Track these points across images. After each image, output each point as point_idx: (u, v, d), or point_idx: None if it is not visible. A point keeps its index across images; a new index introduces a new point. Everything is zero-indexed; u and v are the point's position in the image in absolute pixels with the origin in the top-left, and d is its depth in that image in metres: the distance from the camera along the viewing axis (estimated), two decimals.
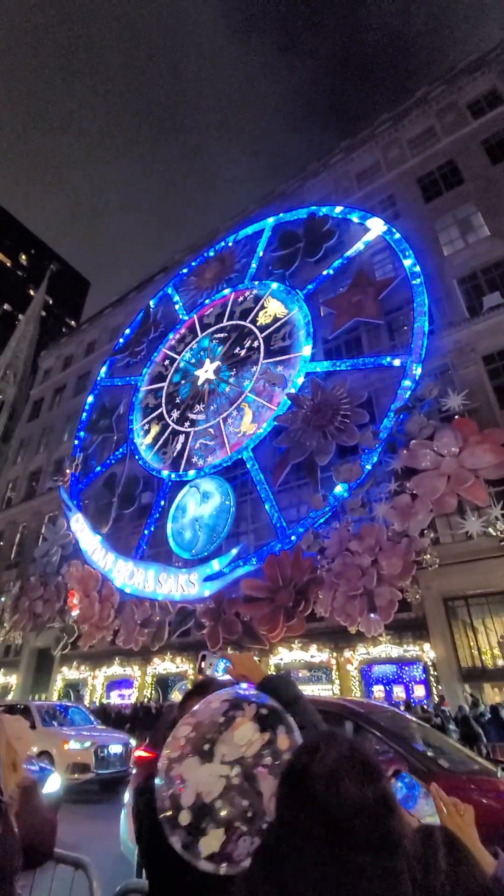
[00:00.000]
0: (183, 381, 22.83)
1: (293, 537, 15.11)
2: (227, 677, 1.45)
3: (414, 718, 4.74)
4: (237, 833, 0.75)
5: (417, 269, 17.39)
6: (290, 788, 0.79)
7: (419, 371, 15.41)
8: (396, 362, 16.10)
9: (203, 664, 1.55)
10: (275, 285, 21.59)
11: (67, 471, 24.81)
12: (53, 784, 5.69)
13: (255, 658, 15.26)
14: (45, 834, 1.42)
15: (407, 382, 15.19)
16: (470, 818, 1.11)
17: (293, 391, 17.67)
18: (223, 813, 0.77)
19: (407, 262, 17.76)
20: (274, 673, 1.50)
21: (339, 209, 21.69)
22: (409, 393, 14.95)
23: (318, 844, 0.71)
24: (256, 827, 0.78)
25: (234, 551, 15.91)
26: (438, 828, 0.88)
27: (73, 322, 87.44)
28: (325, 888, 0.69)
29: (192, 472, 19.31)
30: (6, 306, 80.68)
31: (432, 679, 13.16)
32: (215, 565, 16.15)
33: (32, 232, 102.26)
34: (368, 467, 14.48)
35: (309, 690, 15.18)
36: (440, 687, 12.75)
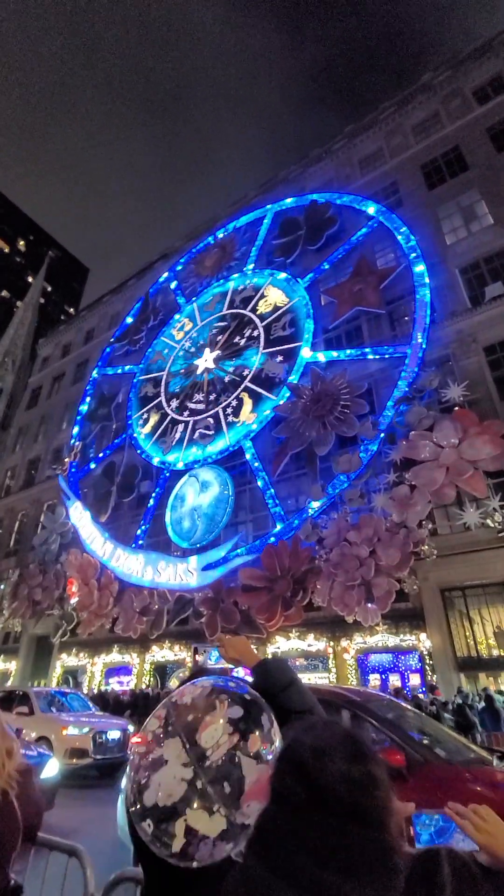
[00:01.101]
0: (182, 370, 22.70)
1: (295, 523, 15.14)
2: (221, 665, 1.43)
3: (410, 707, 4.76)
4: (196, 837, 0.72)
5: (421, 263, 17.15)
6: (281, 760, 0.78)
7: (420, 360, 15.30)
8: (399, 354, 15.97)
9: (198, 656, 1.52)
10: (275, 273, 21.36)
11: (66, 459, 24.77)
12: (52, 769, 5.74)
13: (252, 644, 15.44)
14: (36, 812, 1.58)
15: (406, 373, 15.10)
16: (493, 817, 1.04)
17: (293, 381, 17.57)
18: (184, 816, 0.73)
19: (410, 253, 17.54)
20: (268, 657, 1.47)
21: (347, 199, 21.38)
22: (408, 383, 14.87)
23: (303, 810, 0.71)
24: (219, 832, 0.74)
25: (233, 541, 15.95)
26: (444, 848, 0.85)
27: (71, 309, 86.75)
28: (316, 858, 0.67)
29: (191, 461, 19.28)
30: (4, 293, 79.99)
31: (428, 668, 13.30)
32: (213, 554, 16.20)
33: (31, 217, 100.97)
34: (371, 451, 14.45)
35: (306, 679, 15.33)
36: (435, 676, 12.89)
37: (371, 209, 19.59)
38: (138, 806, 0.75)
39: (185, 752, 0.77)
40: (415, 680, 13.90)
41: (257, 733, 0.79)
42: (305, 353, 18.04)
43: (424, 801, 2.94)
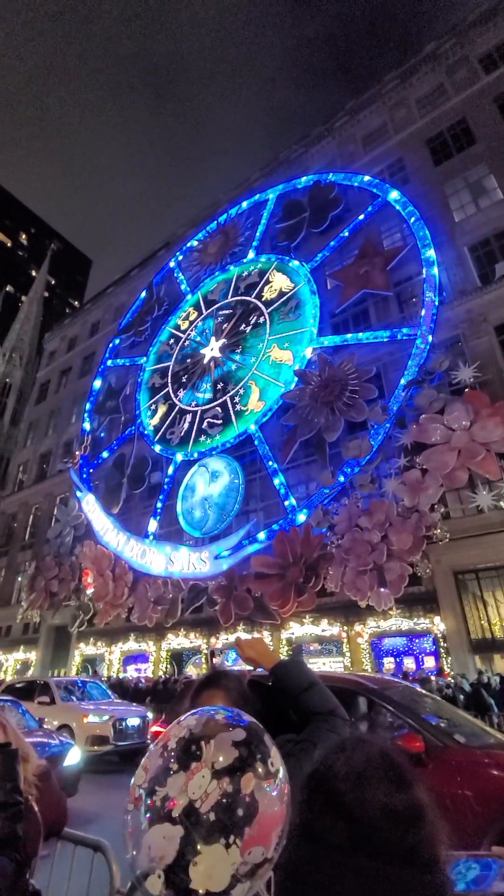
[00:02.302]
0: (189, 360, 22.61)
1: (303, 514, 15.15)
2: (239, 666, 1.40)
3: (426, 692, 4.76)
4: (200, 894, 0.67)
5: (429, 244, 16.73)
6: (313, 791, 0.72)
7: (429, 342, 15.06)
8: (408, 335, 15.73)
9: (214, 659, 1.50)
10: (279, 259, 21.06)
11: (77, 452, 24.96)
12: (74, 757, 5.89)
13: (267, 638, 15.52)
14: (60, 809, 1.61)
15: (416, 356, 14.88)
16: None
17: (300, 367, 17.42)
18: (178, 880, 0.68)
19: (417, 232, 17.14)
20: (286, 658, 1.45)
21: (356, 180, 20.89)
22: (417, 365, 14.67)
23: (345, 852, 0.64)
24: (224, 886, 0.69)
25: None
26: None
27: (76, 302, 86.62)
28: None
29: (200, 451, 19.31)
30: (9, 288, 79.98)
31: (442, 651, 13.33)
32: (225, 543, 16.31)
33: (32, 210, 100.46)
34: (381, 435, 14.35)
35: (320, 663, 15.48)
36: (450, 658, 12.93)
37: (395, 194, 18.73)
38: (137, 872, 0.70)
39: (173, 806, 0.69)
40: (429, 662, 13.96)
41: (252, 771, 0.70)
42: (308, 352, 17.71)
43: (445, 787, 2.95)
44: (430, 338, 15.12)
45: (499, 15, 20.18)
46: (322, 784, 0.71)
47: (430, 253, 16.34)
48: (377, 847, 0.64)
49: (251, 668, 1.48)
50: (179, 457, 19.96)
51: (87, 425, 25.83)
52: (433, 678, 12.19)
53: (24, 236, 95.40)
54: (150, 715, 9.98)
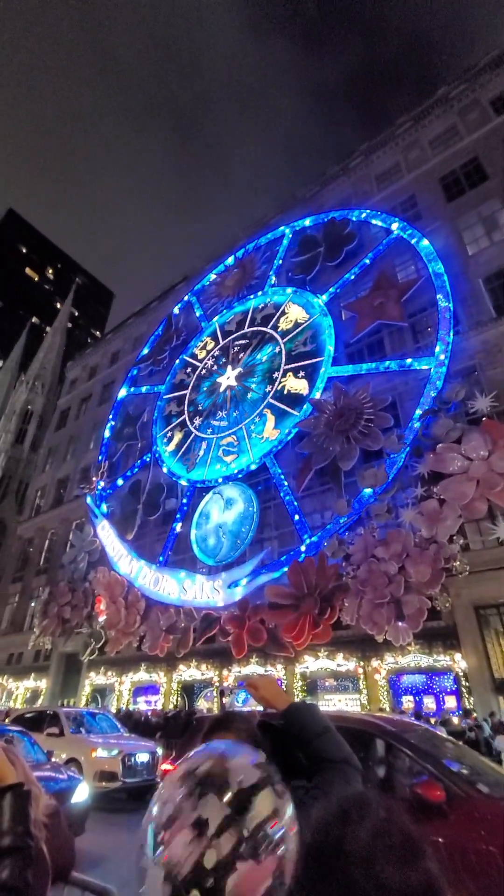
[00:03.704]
0: (205, 388, 22.98)
1: (315, 539, 14.92)
2: (249, 707, 1.38)
3: (447, 735, 4.55)
4: None
5: (441, 267, 17.05)
6: (320, 870, 0.66)
7: (444, 372, 15.07)
8: (423, 366, 15.79)
9: (224, 699, 1.48)
10: (294, 290, 21.55)
11: (94, 478, 25.25)
12: (82, 793, 5.67)
13: (280, 671, 15.07)
14: (68, 852, 1.54)
15: (431, 385, 14.87)
16: None
17: (315, 396, 17.53)
18: None
19: (432, 269, 17.44)
20: (299, 701, 1.43)
21: (363, 214, 21.52)
22: (433, 393, 14.63)
23: None
24: None
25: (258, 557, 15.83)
26: None
27: (97, 332, 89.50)
28: None
29: (215, 478, 19.35)
30: (34, 319, 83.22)
31: (464, 690, 12.73)
32: (239, 571, 16.10)
33: (58, 246, 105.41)
34: (397, 464, 14.21)
35: (336, 700, 14.92)
36: (472, 699, 12.33)
37: (395, 225, 19.49)
38: None
39: (162, 864, 0.68)
40: (450, 702, 13.33)
41: (234, 829, 0.67)
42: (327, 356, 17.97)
43: (468, 841, 2.78)
44: (445, 367, 15.13)
45: None
46: (332, 863, 0.65)
47: (443, 279, 16.58)
48: None
49: (262, 707, 1.46)
50: (195, 483, 20.02)
51: (102, 448, 26.16)
52: (455, 719, 11.61)
53: (50, 271, 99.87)
54: (159, 751, 9.68)
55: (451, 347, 15.47)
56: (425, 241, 18.11)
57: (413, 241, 18.62)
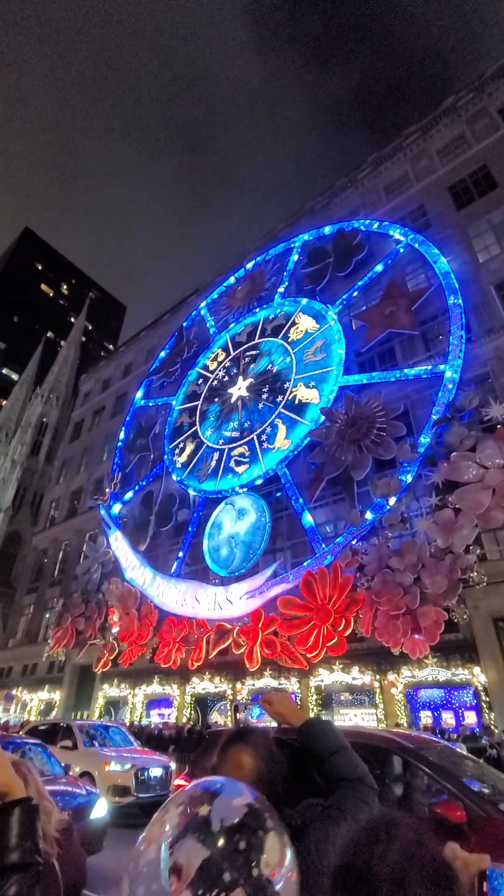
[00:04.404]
0: (216, 399, 23.10)
1: (329, 555, 14.77)
2: (264, 722, 1.35)
3: (467, 753, 4.41)
4: None
5: (450, 273, 17.01)
6: (348, 892, 0.64)
7: (457, 379, 14.93)
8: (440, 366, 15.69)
9: (239, 715, 1.46)
10: (305, 301, 21.67)
11: (107, 489, 25.44)
12: (101, 809, 5.51)
13: (295, 685, 14.85)
14: (79, 869, 1.53)
15: (444, 393, 14.74)
16: None
17: (327, 405, 17.50)
18: None
19: (439, 269, 17.42)
20: (315, 717, 1.40)
21: (375, 225, 21.63)
22: (446, 403, 14.49)
23: None
24: None
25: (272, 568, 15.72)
26: None
27: (111, 346, 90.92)
28: None
29: (228, 488, 19.34)
30: (49, 334, 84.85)
31: (484, 705, 12.37)
32: (252, 582, 15.99)
33: (72, 262, 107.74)
34: (408, 479, 14.05)
35: (351, 715, 14.62)
36: (493, 714, 11.97)
37: (397, 234, 19.68)
38: None
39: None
40: (470, 718, 12.95)
41: (244, 882, 0.64)
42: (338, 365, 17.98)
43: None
44: (458, 374, 15.01)
45: None
46: (361, 885, 0.64)
47: (453, 285, 16.55)
48: None
49: (276, 724, 1.43)
50: (207, 494, 20.04)
51: (115, 460, 26.35)
52: (476, 735, 11.25)
53: (64, 286, 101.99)
54: (172, 765, 9.56)
55: (464, 354, 15.35)
56: (435, 250, 18.13)
57: (416, 245, 18.83)
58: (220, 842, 0.68)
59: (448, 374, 15.19)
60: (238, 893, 0.64)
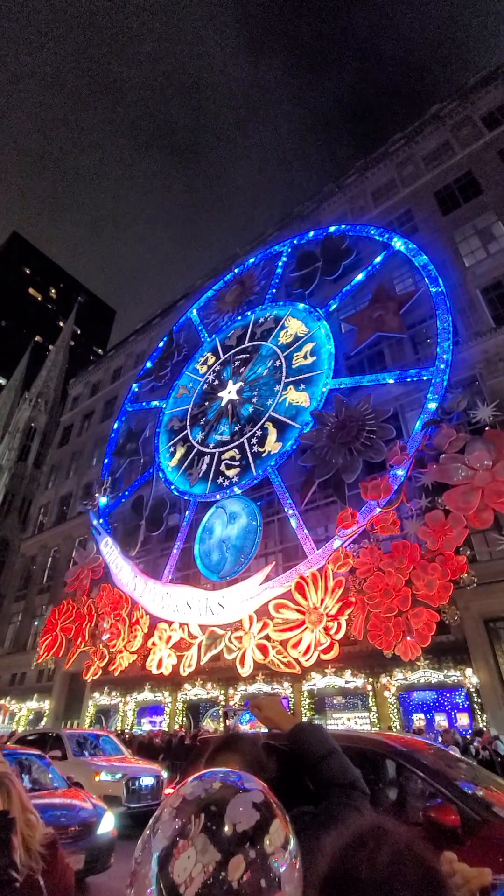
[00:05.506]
0: (207, 403, 23.04)
1: (321, 558, 14.75)
2: (253, 727, 1.31)
3: (460, 756, 4.40)
4: None
5: (437, 276, 17.20)
6: None
7: (445, 382, 15.06)
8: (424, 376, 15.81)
9: (228, 721, 1.42)
10: (295, 305, 21.74)
11: (96, 494, 25.19)
12: (108, 823, 5.27)
13: (287, 689, 14.77)
14: (66, 884, 1.43)
15: (433, 396, 14.85)
16: None
17: (317, 409, 17.53)
18: None
19: (425, 275, 17.60)
20: (305, 721, 1.36)
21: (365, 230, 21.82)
22: (435, 405, 14.59)
23: None
24: None
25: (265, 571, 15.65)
26: None
27: (100, 350, 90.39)
28: None
29: (219, 491, 19.26)
30: (37, 338, 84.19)
31: (476, 707, 12.41)
32: (244, 587, 15.90)
33: (61, 266, 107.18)
34: (401, 472, 14.09)
35: (345, 718, 14.57)
36: (485, 716, 12.00)
37: (398, 243, 19.70)
38: None
39: (159, 888, 0.63)
40: (463, 720, 12.98)
41: (243, 855, 0.63)
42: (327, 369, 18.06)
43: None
44: (445, 378, 15.13)
45: (498, 78, 21.54)
46: (344, 893, 0.63)
47: (440, 289, 16.71)
48: None
49: (266, 729, 1.39)
50: (197, 498, 19.93)
51: (105, 463, 26.14)
52: (467, 738, 11.25)
53: (53, 291, 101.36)
54: (164, 774, 9.42)
55: (452, 358, 15.49)
56: (422, 256, 18.33)
57: (400, 247, 19.11)
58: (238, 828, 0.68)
59: (436, 380, 15.28)
60: (238, 860, 0.63)
